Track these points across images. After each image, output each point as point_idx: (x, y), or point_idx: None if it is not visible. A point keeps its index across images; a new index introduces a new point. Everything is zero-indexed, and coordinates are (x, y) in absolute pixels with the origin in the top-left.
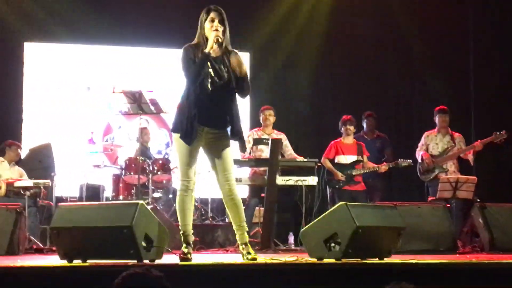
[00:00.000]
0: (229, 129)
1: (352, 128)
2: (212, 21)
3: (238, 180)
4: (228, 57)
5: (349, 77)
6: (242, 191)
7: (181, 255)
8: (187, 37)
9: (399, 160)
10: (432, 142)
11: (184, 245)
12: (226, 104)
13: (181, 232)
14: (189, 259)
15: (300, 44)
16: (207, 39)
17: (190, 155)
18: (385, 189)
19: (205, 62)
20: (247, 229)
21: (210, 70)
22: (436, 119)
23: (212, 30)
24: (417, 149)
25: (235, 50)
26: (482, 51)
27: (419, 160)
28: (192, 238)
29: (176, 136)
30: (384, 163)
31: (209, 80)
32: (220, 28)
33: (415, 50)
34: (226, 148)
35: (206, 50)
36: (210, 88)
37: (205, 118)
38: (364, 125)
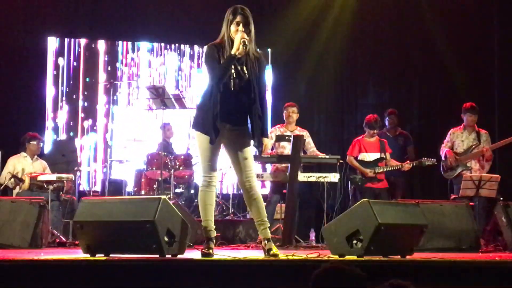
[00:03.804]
0: (249, 127)
1: (376, 131)
2: (238, 24)
3: (260, 176)
4: (252, 59)
5: (372, 74)
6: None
7: (203, 250)
8: (209, 34)
9: (423, 158)
10: (458, 140)
11: (205, 240)
12: (247, 102)
13: (203, 227)
14: (211, 255)
15: (323, 41)
16: (231, 40)
17: (212, 151)
18: (406, 186)
19: (231, 64)
20: (269, 225)
21: (233, 71)
22: (464, 117)
23: (237, 33)
24: (442, 146)
25: (262, 59)
26: (507, 49)
27: (443, 158)
28: (214, 234)
29: (198, 132)
30: (408, 161)
31: (231, 80)
32: (245, 32)
33: (440, 48)
34: (247, 145)
35: (232, 52)
36: (232, 88)
37: (227, 115)
38: (387, 122)
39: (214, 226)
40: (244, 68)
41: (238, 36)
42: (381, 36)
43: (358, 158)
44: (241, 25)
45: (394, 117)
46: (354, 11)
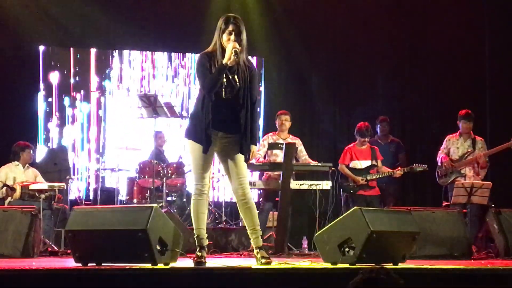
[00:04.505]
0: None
1: (367, 139)
2: (230, 33)
3: (252, 184)
4: (243, 68)
5: (363, 82)
6: (256, 195)
7: (195, 259)
8: (202, 42)
9: (414, 165)
10: (453, 146)
11: (198, 248)
12: (239, 110)
13: (195, 235)
14: (203, 263)
15: (314, 49)
16: (223, 49)
17: (204, 160)
18: (398, 193)
19: (222, 74)
20: (261, 233)
21: (224, 79)
22: (460, 124)
23: (229, 42)
24: (439, 152)
25: (253, 68)
26: (498, 56)
27: (439, 163)
28: (206, 242)
29: (190, 141)
30: (399, 168)
31: (223, 89)
32: (237, 41)
33: (431, 55)
34: (239, 152)
35: (224, 62)
36: (224, 97)
37: (219, 123)
38: (378, 130)
39: (207, 235)
40: (236, 77)
41: (229, 45)
42: (373, 44)
43: (349, 166)
44: (233, 34)
45: (386, 124)
46: (345, 20)
